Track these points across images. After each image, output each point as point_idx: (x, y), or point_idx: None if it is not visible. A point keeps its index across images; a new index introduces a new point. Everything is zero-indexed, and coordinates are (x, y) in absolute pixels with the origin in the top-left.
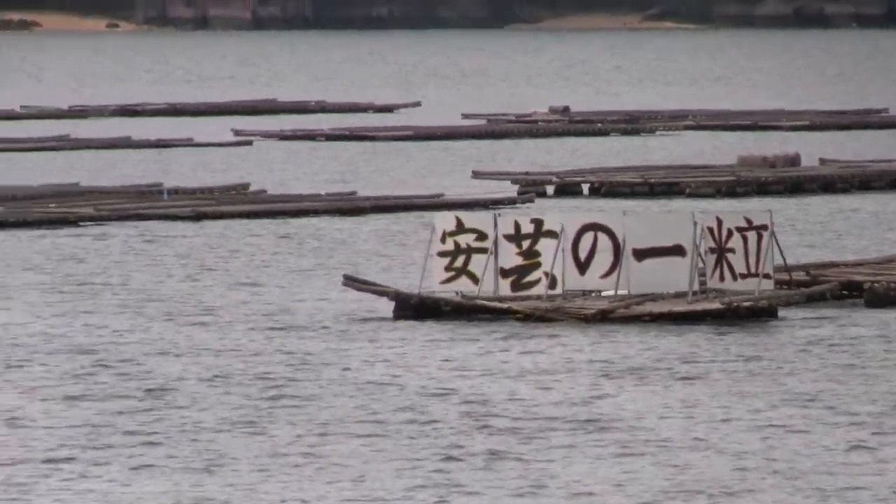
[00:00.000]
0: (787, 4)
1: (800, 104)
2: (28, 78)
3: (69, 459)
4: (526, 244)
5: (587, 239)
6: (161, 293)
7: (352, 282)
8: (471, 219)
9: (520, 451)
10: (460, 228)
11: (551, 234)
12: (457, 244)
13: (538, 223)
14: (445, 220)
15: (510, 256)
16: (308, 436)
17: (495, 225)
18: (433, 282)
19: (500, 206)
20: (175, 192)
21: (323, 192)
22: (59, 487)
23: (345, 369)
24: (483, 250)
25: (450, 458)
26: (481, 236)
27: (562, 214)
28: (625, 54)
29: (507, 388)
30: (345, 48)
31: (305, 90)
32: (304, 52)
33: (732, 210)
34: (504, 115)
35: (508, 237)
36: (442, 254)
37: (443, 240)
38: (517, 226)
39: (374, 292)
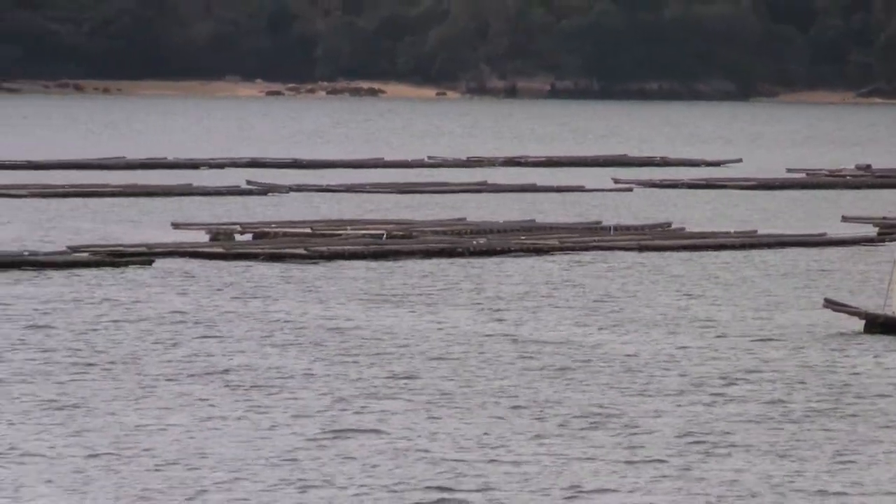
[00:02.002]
0: None
1: None
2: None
3: None
4: None
5: None
6: (679, 311)
7: (831, 304)
8: None
9: None
10: None
11: None
12: None
13: None
14: None
15: None
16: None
17: None
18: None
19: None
20: (617, 228)
21: (731, 230)
22: None
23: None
24: None
25: None
26: None
27: None
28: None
29: None
30: (629, 114)
31: (629, 148)
32: (598, 117)
33: None
34: (819, 170)
35: None
36: None
37: None
38: None
39: (847, 312)
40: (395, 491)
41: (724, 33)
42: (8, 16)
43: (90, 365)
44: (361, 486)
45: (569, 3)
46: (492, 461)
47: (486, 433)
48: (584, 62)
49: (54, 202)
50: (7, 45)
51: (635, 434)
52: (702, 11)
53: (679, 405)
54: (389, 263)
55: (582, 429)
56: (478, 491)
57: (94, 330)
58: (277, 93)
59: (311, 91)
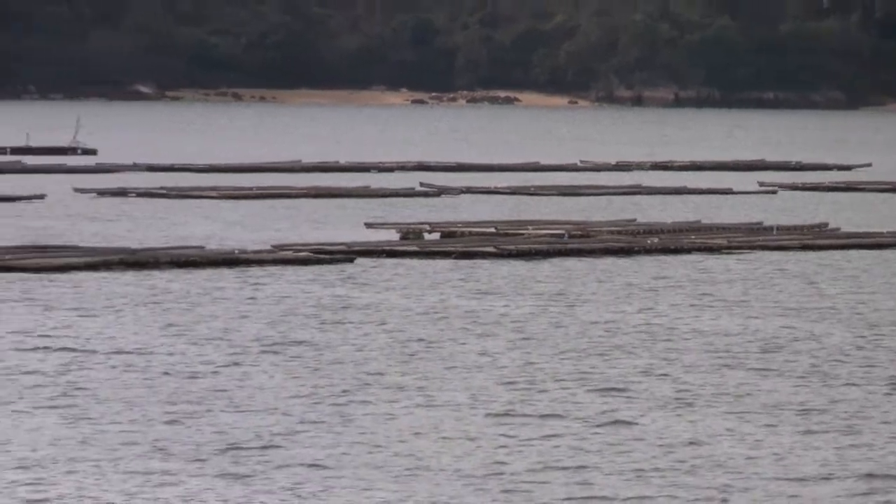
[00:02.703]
0: None
1: None
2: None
3: None
4: None
5: None
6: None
7: None
8: None
9: None
10: None
11: None
12: None
13: None
14: None
15: None
16: None
17: None
18: None
19: None
20: (779, 228)
21: (883, 230)
22: None
23: None
24: None
25: None
26: None
27: None
28: None
29: None
30: (751, 121)
31: (763, 153)
32: (722, 124)
33: None
34: None
35: None
36: None
37: None
38: None
39: None
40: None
41: (835, 47)
42: (173, 31)
43: (334, 359)
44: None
45: (691, 19)
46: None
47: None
48: (706, 73)
49: (244, 203)
50: (171, 58)
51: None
52: (814, 27)
53: None
54: (573, 261)
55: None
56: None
57: (339, 323)
58: (421, 101)
59: (453, 99)
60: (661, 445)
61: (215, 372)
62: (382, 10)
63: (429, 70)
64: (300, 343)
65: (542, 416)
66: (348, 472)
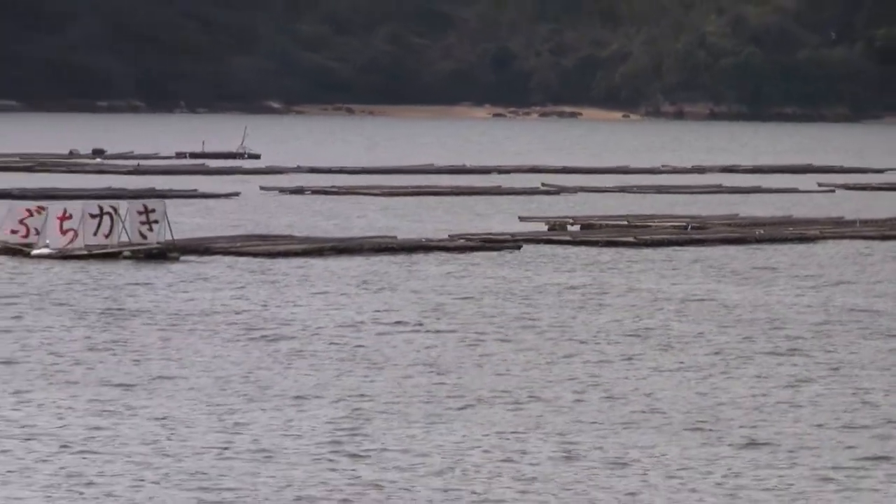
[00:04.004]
0: None
1: None
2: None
3: None
4: None
5: None
6: None
7: None
8: None
9: None
10: None
11: None
12: None
13: None
14: None
15: None
16: None
17: None
18: None
19: None
20: (860, 221)
21: None
22: None
23: None
24: None
25: None
26: None
27: None
28: None
29: None
30: (776, 133)
31: (808, 158)
32: (754, 135)
33: None
34: None
35: None
36: None
37: None
38: None
39: None
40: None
41: (842, 71)
42: (297, 56)
43: (528, 331)
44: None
45: (724, 47)
46: None
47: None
48: (736, 92)
49: (401, 199)
50: (296, 79)
51: None
52: (825, 54)
53: None
54: (701, 248)
55: None
56: None
57: (528, 301)
58: (501, 115)
59: (527, 114)
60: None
61: (437, 334)
62: (470, 40)
63: (507, 89)
64: (517, 318)
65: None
66: None
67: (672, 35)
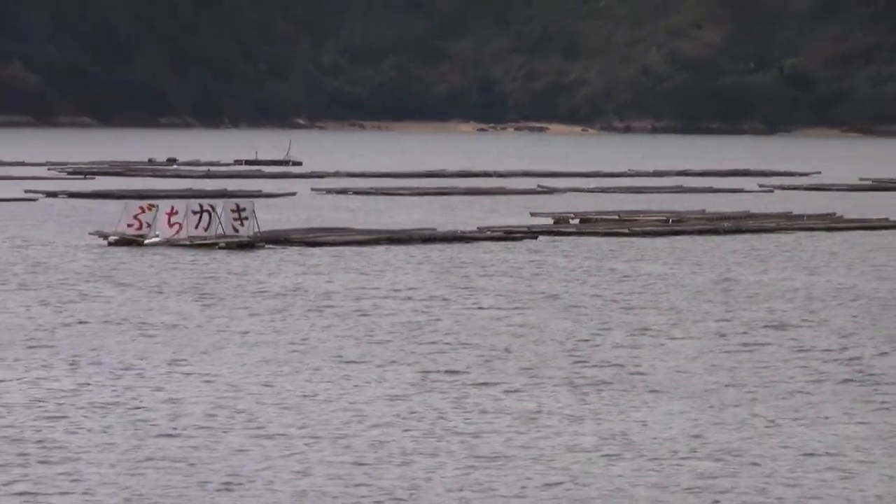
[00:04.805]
0: None
1: None
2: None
3: None
4: None
5: None
6: None
7: None
8: None
9: None
10: None
11: None
12: None
13: None
14: None
15: None
16: None
17: None
18: None
19: None
20: (808, 216)
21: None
22: None
23: None
24: None
25: None
26: None
27: None
28: None
29: None
30: (709, 145)
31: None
32: (690, 146)
33: None
34: None
35: None
36: None
37: None
38: None
39: None
40: None
41: (758, 93)
42: (320, 81)
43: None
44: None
45: (663, 75)
46: None
47: None
48: (673, 110)
49: (427, 199)
50: (319, 99)
51: None
52: (745, 80)
53: None
54: (681, 238)
55: None
56: None
57: (565, 278)
58: (483, 129)
59: (504, 128)
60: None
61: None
62: (460, 69)
63: (489, 108)
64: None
65: None
66: None
67: (621, 65)
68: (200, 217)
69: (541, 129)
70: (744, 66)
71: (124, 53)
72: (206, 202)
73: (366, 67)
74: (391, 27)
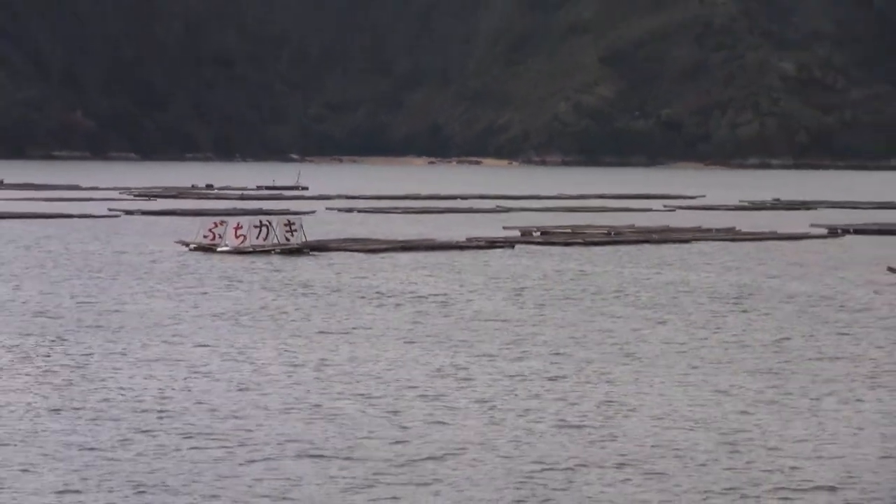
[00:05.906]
0: None
1: None
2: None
3: None
4: None
5: None
6: None
7: None
8: None
9: None
10: None
11: None
12: None
13: None
14: None
15: None
16: None
17: None
18: None
19: None
20: (717, 230)
21: (766, 230)
22: None
23: None
24: None
25: None
26: None
27: None
28: None
29: None
30: (607, 175)
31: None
32: (598, 176)
33: None
34: None
35: None
36: None
37: None
38: None
39: None
40: None
41: (641, 135)
42: (308, 128)
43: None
44: None
45: (570, 121)
46: None
47: None
48: (578, 147)
49: (416, 216)
50: (308, 139)
51: None
52: (632, 124)
53: None
54: (623, 246)
55: None
56: None
57: (543, 280)
58: (433, 162)
59: (448, 162)
60: None
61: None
62: (416, 115)
63: (437, 146)
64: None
65: None
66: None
67: (539, 113)
68: (260, 230)
69: (476, 162)
70: (630, 114)
71: (161, 104)
72: (264, 218)
73: (344, 115)
74: (363, 85)
